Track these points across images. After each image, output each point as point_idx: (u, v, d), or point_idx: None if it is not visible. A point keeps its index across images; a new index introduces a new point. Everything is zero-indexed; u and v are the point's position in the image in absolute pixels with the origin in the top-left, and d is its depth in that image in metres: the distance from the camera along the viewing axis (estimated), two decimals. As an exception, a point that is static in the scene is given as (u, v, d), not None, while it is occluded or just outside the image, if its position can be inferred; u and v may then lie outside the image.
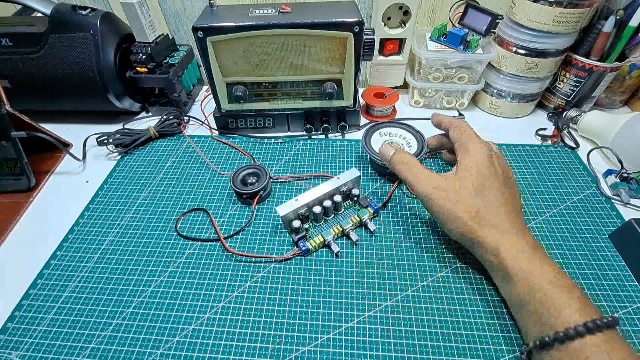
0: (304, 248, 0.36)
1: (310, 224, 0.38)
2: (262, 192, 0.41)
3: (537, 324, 0.26)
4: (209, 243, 0.38)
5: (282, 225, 0.39)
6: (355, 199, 0.40)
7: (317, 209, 0.37)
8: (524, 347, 0.27)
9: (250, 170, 0.42)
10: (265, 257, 0.36)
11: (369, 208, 0.39)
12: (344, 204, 0.40)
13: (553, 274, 0.27)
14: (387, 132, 0.46)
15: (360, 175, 0.39)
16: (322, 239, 0.36)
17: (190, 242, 0.38)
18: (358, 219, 0.38)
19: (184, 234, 0.39)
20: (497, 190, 0.31)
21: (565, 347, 0.23)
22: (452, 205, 0.31)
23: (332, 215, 0.39)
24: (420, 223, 0.39)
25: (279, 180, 0.45)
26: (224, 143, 0.51)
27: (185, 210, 0.41)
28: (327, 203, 0.37)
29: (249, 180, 0.41)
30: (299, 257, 0.36)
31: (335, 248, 0.36)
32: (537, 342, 0.25)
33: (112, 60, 0.49)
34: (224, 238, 0.38)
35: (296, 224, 0.36)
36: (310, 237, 0.37)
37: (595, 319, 0.23)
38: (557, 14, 0.43)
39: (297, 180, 0.45)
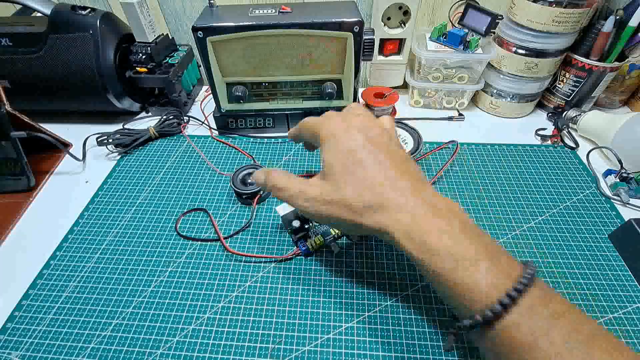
0: (303, 248, 0.36)
1: (311, 224, 0.38)
2: (262, 192, 0.41)
3: (455, 306, 0.23)
4: (208, 243, 0.38)
5: (282, 225, 0.39)
6: None
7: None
8: (454, 322, 0.24)
9: (250, 170, 0.42)
10: (265, 257, 0.36)
11: None
12: None
13: (451, 242, 0.22)
14: (386, 132, 0.46)
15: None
16: (322, 239, 0.36)
17: (190, 242, 0.38)
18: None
19: (184, 233, 0.39)
20: (369, 163, 0.26)
21: (491, 329, 0.20)
22: (327, 210, 0.26)
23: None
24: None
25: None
26: (223, 143, 0.51)
27: (185, 210, 0.41)
28: None
29: (249, 180, 0.41)
30: (298, 257, 0.36)
31: (335, 248, 0.36)
32: (469, 324, 0.21)
33: (112, 60, 0.49)
34: (224, 238, 0.38)
35: (296, 224, 0.36)
36: (310, 237, 0.37)
37: (508, 289, 0.20)
38: (557, 14, 0.43)
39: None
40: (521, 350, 0.19)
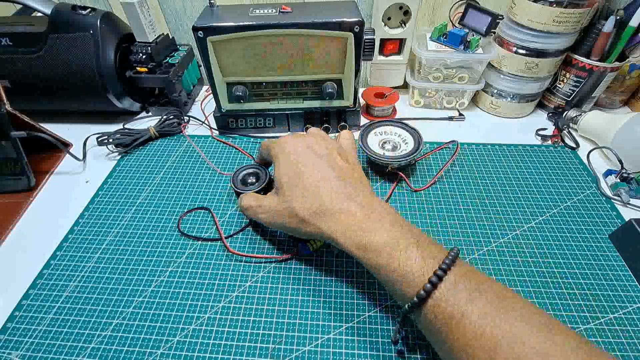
0: (304, 249, 0.36)
1: None
2: (262, 192, 0.41)
3: (396, 295, 0.26)
4: (209, 243, 0.38)
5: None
6: None
7: None
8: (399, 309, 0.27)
9: (250, 170, 0.42)
10: (265, 257, 0.36)
11: None
12: None
13: (384, 237, 0.26)
14: (382, 131, 0.46)
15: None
16: (322, 240, 0.36)
17: (191, 242, 0.38)
18: None
19: (185, 232, 0.39)
20: (310, 178, 0.30)
21: (426, 307, 0.23)
22: (280, 220, 0.31)
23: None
24: (421, 222, 0.39)
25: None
26: (224, 143, 0.51)
27: (187, 209, 0.41)
28: None
29: (249, 180, 0.41)
30: (298, 257, 0.36)
31: (335, 249, 0.36)
32: (406, 307, 0.24)
33: (112, 60, 0.49)
34: (225, 237, 0.38)
35: None
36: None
37: (435, 269, 0.23)
38: (558, 14, 0.43)
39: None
40: (450, 321, 0.22)
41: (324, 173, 0.30)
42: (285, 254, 0.36)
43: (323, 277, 0.35)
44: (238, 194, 0.41)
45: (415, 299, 0.23)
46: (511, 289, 0.24)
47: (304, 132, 0.34)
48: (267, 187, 0.41)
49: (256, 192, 0.40)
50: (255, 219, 0.34)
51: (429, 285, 0.23)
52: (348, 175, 0.31)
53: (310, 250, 0.36)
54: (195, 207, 0.42)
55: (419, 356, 0.29)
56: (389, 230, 0.26)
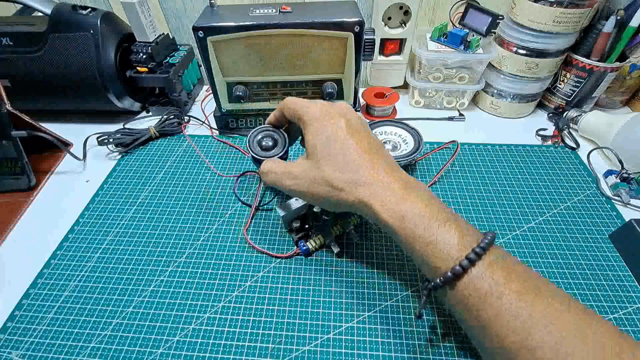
0: (304, 248, 0.36)
1: (311, 224, 0.38)
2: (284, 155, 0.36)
3: (428, 269, 0.25)
4: (209, 243, 0.38)
5: (282, 225, 0.39)
6: None
7: (317, 209, 0.37)
8: (425, 283, 0.27)
9: (265, 133, 0.37)
10: (267, 254, 0.36)
11: None
12: None
13: (422, 207, 0.25)
14: (383, 131, 0.46)
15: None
16: (322, 239, 0.36)
17: (191, 242, 0.38)
18: (359, 219, 0.38)
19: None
20: (349, 145, 0.28)
21: (461, 284, 0.23)
22: (309, 187, 0.29)
23: (333, 215, 0.39)
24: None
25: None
26: (224, 143, 0.51)
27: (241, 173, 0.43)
28: None
29: (265, 144, 0.36)
30: (299, 256, 0.36)
31: (335, 248, 0.36)
32: (439, 281, 0.24)
33: (113, 60, 0.49)
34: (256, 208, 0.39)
35: (296, 224, 0.36)
36: (310, 237, 0.37)
37: (474, 247, 0.23)
38: (558, 14, 0.43)
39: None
40: (486, 299, 0.22)
41: (360, 144, 0.29)
42: (285, 254, 0.36)
43: (323, 277, 0.35)
44: (257, 161, 0.36)
45: (449, 273, 0.23)
46: (545, 278, 0.24)
47: (333, 102, 0.32)
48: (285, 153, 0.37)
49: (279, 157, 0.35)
50: (277, 186, 0.32)
51: (466, 261, 0.23)
52: (381, 150, 0.30)
53: (310, 250, 0.36)
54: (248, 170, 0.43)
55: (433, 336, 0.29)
56: (427, 204, 0.26)
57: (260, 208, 0.41)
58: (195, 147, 0.50)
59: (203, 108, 0.57)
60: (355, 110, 0.49)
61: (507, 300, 0.22)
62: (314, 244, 0.36)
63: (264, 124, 0.37)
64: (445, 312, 0.32)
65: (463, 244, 0.24)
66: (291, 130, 0.36)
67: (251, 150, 0.35)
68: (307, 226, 0.38)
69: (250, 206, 0.39)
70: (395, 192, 0.26)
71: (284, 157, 0.36)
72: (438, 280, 0.24)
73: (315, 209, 0.36)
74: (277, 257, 0.36)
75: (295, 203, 0.36)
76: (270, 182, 0.32)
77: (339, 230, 0.37)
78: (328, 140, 0.29)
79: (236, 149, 0.50)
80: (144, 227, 0.40)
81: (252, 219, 0.38)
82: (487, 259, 0.23)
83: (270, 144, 0.36)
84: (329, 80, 0.46)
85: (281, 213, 0.35)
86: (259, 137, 0.36)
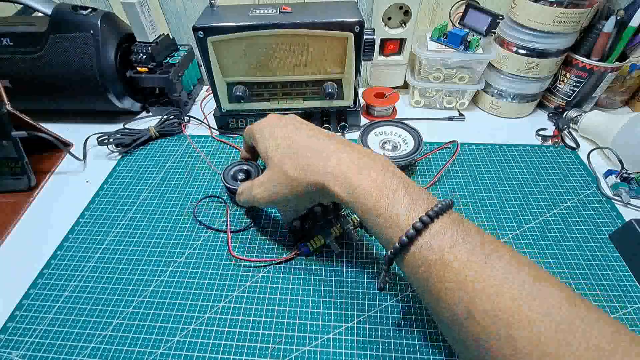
0: (304, 248, 0.36)
1: (311, 224, 0.38)
2: None
3: (384, 242, 0.25)
4: (209, 243, 0.38)
5: (282, 225, 0.39)
6: None
7: (317, 209, 0.37)
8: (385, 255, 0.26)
9: (240, 167, 0.41)
10: (265, 261, 0.36)
11: None
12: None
13: (374, 176, 0.25)
14: (383, 131, 0.46)
15: None
16: (322, 239, 0.36)
17: (191, 242, 0.38)
18: (358, 219, 0.37)
19: (195, 223, 0.40)
20: (296, 137, 0.30)
21: (409, 254, 0.23)
22: (275, 190, 0.30)
23: (333, 215, 0.39)
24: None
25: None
26: (224, 143, 0.51)
27: (201, 197, 0.42)
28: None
29: (240, 177, 0.41)
30: (299, 256, 0.36)
31: (335, 248, 0.36)
32: (389, 253, 0.24)
33: (113, 60, 0.49)
34: (232, 232, 0.38)
35: (296, 224, 0.36)
36: (310, 237, 0.37)
37: (422, 216, 0.22)
38: (558, 14, 0.43)
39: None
40: (432, 269, 0.22)
41: (310, 133, 0.30)
42: (285, 255, 0.36)
43: (323, 277, 0.35)
44: (230, 190, 0.40)
45: (397, 244, 0.23)
46: (502, 242, 0.23)
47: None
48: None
49: None
50: (252, 202, 0.33)
51: (412, 231, 0.22)
52: (326, 133, 0.31)
53: (310, 250, 0.36)
54: (211, 194, 0.42)
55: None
56: (379, 173, 0.26)
57: (234, 232, 0.39)
58: (195, 147, 0.50)
59: (203, 108, 0.57)
60: (355, 110, 0.50)
61: (452, 268, 0.21)
62: (314, 244, 0.36)
63: (237, 160, 0.42)
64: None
65: (411, 214, 0.23)
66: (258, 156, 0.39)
67: (226, 183, 0.39)
68: (307, 226, 0.38)
69: (222, 231, 0.39)
70: (349, 167, 0.27)
71: None
72: (389, 252, 0.24)
73: (316, 209, 0.37)
74: (277, 260, 0.36)
75: None
76: (244, 199, 0.34)
77: (339, 230, 0.37)
78: (276, 142, 0.31)
79: (236, 149, 0.50)
80: (144, 227, 0.40)
81: (230, 241, 0.37)
82: (437, 226, 0.22)
83: (244, 176, 0.41)
84: (329, 80, 0.46)
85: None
86: (232, 172, 0.41)
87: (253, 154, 0.40)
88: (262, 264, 0.36)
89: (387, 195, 0.24)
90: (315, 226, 0.38)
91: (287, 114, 0.36)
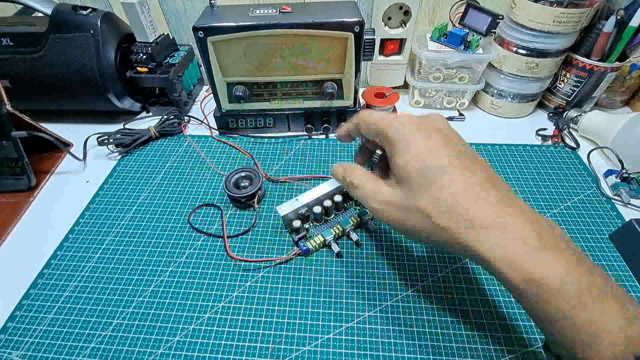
0: (304, 248, 0.36)
1: (311, 224, 0.38)
2: (259, 191, 0.41)
3: (566, 352, 0.19)
4: (209, 243, 0.38)
5: (282, 225, 0.39)
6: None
7: (317, 209, 0.37)
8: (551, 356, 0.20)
9: (243, 174, 0.42)
10: (265, 261, 0.36)
11: None
12: (345, 204, 0.40)
13: (573, 273, 0.18)
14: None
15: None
16: (322, 239, 0.36)
17: (191, 242, 0.38)
18: (358, 219, 0.38)
19: (191, 229, 0.39)
20: (453, 170, 0.22)
21: None
22: (401, 217, 0.24)
23: (333, 215, 0.39)
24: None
25: (279, 181, 0.45)
26: (224, 143, 0.51)
27: (198, 205, 0.42)
28: (328, 203, 0.37)
29: (242, 184, 0.41)
30: (299, 256, 0.36)
31: (335, 248, 0.36)
32: None
33: (113, 60, 0.49)
34: (228, 237, 0.38)
35: (296, 224, 0.36)
36: (310, 237, 0.37)
37: None
38: (558, 14, 0.43)
39: (296, 181, 0.45)
40: None
41: (466, 171, 0.22)
42: (285, 255, 0.36)
43: (323, 277, 0.35)
44: (232, 198, 0.40)
45: None
46: None
47: (424, 115, 0.26)
48: (260, 191, 0.41)
49: (251, 194, 0.40)
50: (362, 203, 0.27)
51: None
52: (493, 176, 0.23)
53: (310, 250, 0.36)
54: (206, 203, 0.42)
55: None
56: (569, 260, 0.19)
57: (231, 236, 0.39)
58: (195, 147, 0.50)
59: (203, 108, 0.57)
60: (355, 110, 0.50)
61: None
62: (314, 244, 0.36)
63: (240, 166, 0.42)
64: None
65: (629, 336, 0.17)
66: (368, 149, 0.31)
67: (228, 191, 0.39)
68: (307, 226, 0.38)
69: (219, 237, 0.38)
70: (526, 242, 0.19)
71: (260, 194, 0.40)
72: None
73: (316, 210, 0.37)
74: (276, 260, 0.36)
75: (295, 203, 0.36)
76: (356, 197, 0.27)
77: (339, 230, 0.37)
78: (424, 166, 0.23)
79: (236, 149, 0.50)
80: (144, 227, 0.40)
81: (228, 245, 0.37)
82: None
83: (246, 183, 0.41)
84: (329, 80, 0.46)
85: (281, 213, 0.35)
86: (237, 176, 0.41)
87: (368, 154, 0.31)
88: (262, 264, 0.36)
89: (586, 302, 0.18)
90: (316, 226, 0.38)
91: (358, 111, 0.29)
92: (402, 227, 0.24)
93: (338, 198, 0.38)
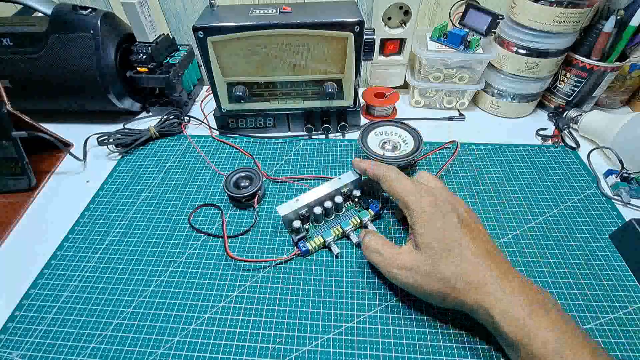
0: (304, 249, 0.36)
1: (311, 225, 0.38)
2: (259, 191, 0.41)
3: None
4: (209, 243, 0.38)
5: (282, 225, 0.39)
6: (357, 200, 0.40)
7: (317, 210, 0.37)
8: None
9: (243, 174, 0.42)
10: (264, 262, 0.36)
11: (369, 209, 0.38)
12: (345, 204, 0.40)
13: (557, 330, 0.23)
14: (383, 131, 0.46)
15: (360, 177, 0.39)
16: (322, 240, 0.36)
17: (191, 242, 0.38)
18: (358, 220, 0.38)
19: (191, 229, 0.39)
20: (467, 243, 0.28)
21: None
22: (421, 281, 0.28)
23: (333, 216, 0.39)
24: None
25: (278, 181, 0.45)
26: (224, 143, 0.51)
27: (198, 205, 0.42)
28: (328, 204, 0.37)
29: (242, 184, 0.41)
30: (299, 257, 0.36)
31: (335, 249, 0.36)
32: None
33: (113, 60, 0.49)
34: (228, 237, 0.38)
35: (297, 224, 0.36)
36: (310, 237, 0.37)
37: None
38: (558, 13, 0.43)
39: (296, 181, 0.45)
40: None
41: (475, 242, 0.28)
42: (285, 255, 0.36)
43: (323, 277, 0.35)
44: (232, 198, 0.41)
45: None
46: None
47: (433, 185, 0.32)
48: (260, 191, 0.41)
49: (251, 194, 0.40)
50: (380, 267, 0.31)
51: None
52: (495, 249, 0.29)
53: (310, 251, 0.36)
54: (206, 203, 0.42)
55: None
56: (561, 324, 0.24)
57: (231, 236, 0.39)
58: (195, 147, 0.50)
59: (203, 108, 0.57)
60: (355, 110, 0.50)
61: None
62: (314, 244, 0.36)
63: (240, 167, 0.42)
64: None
65: None
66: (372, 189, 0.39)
67: (228, 191, 0.40)
68: (307, 227, 0.38)
69: (219, 237, 0.38)
70: (521, 303, 0.25)
71: (260, 194, 0.41)
72: None
73: (316, 210, 0.37)
74: (276, 261, 0.36)
75: (296, 204, 0.36)
76: (374, 262, 0.32)
77: (339, 232, 0.37)
78: (443, 236, 0.28)
79: (236, 149, 0.50)
80: (144, 227, 0.40)
81: (228, 245, 0.37)
82: None
83: (247, 183, 0.41)
84: (329, 80, 0.46)
85: (282, 213, 0.35)
86: (237, 176, 0.41)
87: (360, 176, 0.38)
88: (262, 265, 0.36)
89: (575, 354, 0.22)
90: (315, 227, 0.38)
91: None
92: (419, 290, 0.29)
93: (339, 199, 0.38)
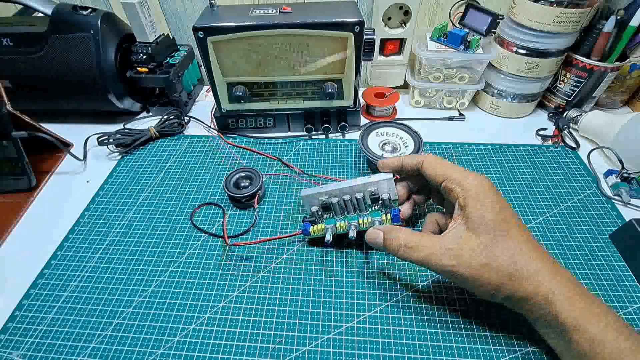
0: (306, 226, 0.35)
1: (328, 216, 0.37)
2: (259, 190, 0.40)
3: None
4: (209, 243, 0.38)
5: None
6: (381, 202, 0.36)
7: (334, 200, 0.35)
8: None
9: (243, 174, 0.42)
10: (263, 241, 0.37)
11: (388, 214, 0.35)
12: (367, 203, 0.36)
13: (622, 330, 0.23)
14: (384, 132, 0.46)
15: (393, 176, 0.35)
16: (322, 229, 0.35)
17: (191, 242, 0.38)
18: (369, 219, 0.35)
19: (191, 229, 0.39)
20: (518, 228, 0.26)
21: None
22: (477, 271, 0.25)
23: (353, 212, 0.37)
24: (421, 223, 0.39)
25: (319, 177, 0.45)
26: (224, 142, 0.51)
27: (200, 204, 0.42)
28: (347, 197, 0.35)
29: (242, 184, 0.41)
30: (301, 235, 0.37)
31: (328, 241, 0.34)
32: None
33: (113, 60, 0.49)
34: (228, 237, 0.38)
35: (314, 209, 0.35)
36: (316, 223, 0.36)
37: None
38: (558, 14, 0.43)
39: (320, 182, 0.45)
40: None
41: (525, 229, 0.27)
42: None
43: (323, 277, 0.35)
44: (232, 198, 0.41)
45: None
46: None
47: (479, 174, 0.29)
48: (260, 190, 0.41)
49: (251, 194, 0.39)
50: (425, 264, 0.27)
51: None
52: (526, 230, 0.28)
53: (310, 233, 0.36)
54: (208, 202, 0.42)
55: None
56: (620, 324, 0.23)
57: (230, 237, 0.39)
58: (195, 147, 0.50)
59: (203, 108, 0.57)
60: (355, 110, 0.50)
61: None
62: (314, 229, 0.35)
63: (239, 167, 0.42)
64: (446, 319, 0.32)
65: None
66: (413, 183, 0.35)
67: (228, 191, 0.39)
68: (320, 213, 0.36)
69: (219, 236, 0.38)
70: (574, 290, 0.24)
71: (261, 194, 0.41)
72: None
73: (333, 200, 0.35)
74: (276, 239, 0.36)
75: (318, 189, 0.35)
76: (415, 259, 0.28)
77: (343, 229, 0.36)
78: (499, 216, 0.26)
79: (236, 147, 0.50)
80: (144, 227, 0.40)
81: (225, 250, 0.37)
82: None
83: (247, 183, 0.41)
84: (329, 80, 0.46)
85: (303, 194, 0.35)
86: (237, 176, 0.41)
87: (401, 175, 0.34)
88: (262, 265, 0.36)
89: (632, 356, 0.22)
90: (327, 217, 0.37)
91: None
92: (472, 283, 0.26)
93: (359, 195, 0.35)
